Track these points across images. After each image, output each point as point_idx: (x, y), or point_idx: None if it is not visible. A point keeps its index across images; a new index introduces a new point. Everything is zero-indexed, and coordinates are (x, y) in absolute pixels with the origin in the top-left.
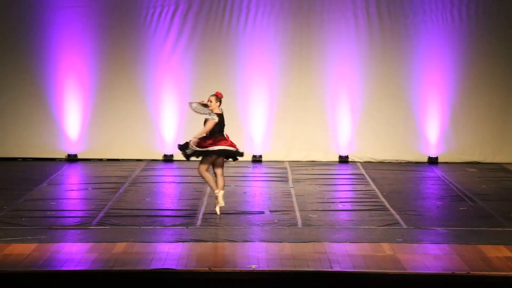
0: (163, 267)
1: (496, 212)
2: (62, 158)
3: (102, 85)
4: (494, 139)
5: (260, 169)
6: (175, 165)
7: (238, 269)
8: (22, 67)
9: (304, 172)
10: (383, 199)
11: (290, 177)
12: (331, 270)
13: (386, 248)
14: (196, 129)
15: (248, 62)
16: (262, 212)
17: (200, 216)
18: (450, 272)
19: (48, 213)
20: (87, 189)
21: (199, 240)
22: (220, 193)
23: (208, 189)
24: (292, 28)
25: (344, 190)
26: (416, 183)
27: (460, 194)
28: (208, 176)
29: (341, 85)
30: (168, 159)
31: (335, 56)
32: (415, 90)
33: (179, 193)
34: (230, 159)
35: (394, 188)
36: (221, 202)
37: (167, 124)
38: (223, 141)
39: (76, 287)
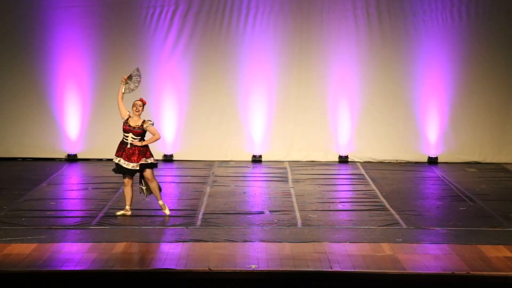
0: (163, 267)
1: (496, 212)
2: (62, 158)
3: (102, 85)
4: (494, 139)
5: (260, 169)
6: (175, 165)
7: (238, 269)
8: (21, 67)
9: (304, 172)
10: (383, 199)
11: (290, 177)
12: (331, 270)
13: (386, 248)
14: (196, 129)
15: (248, 62)
16: (262, 212)
17: (200, 216)
18: (450, 272)
19: (48, 213)
20: (87, 189)
21: (199, 240)
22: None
23: (208, 189)
24: (292, 28)
25: (344, 190)
26: (416, 183)
27: (460, 194)
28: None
29: (341, 85)
30: (168, 159)
31: (335, 56)
32: (415, 90)
33: (179, 193)
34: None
35: (394, 188)
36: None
37: (167, 124)
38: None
39: (76, 287)
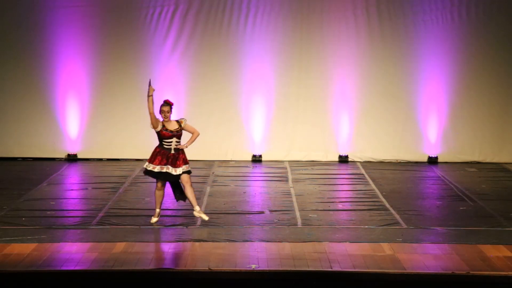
0: (163, 267)
1: (496, 212)
2: (62, 158)
3: (102, 84)
4: (494, 139)
5: (260, 169)
6: None
7: (238, 269)
8: (22, 67)
9: (304, 172)
10: (383, 199)
11: (290, 177)
12: (331, 270)
13: (386, 248)
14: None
15: (248, 62)
16: (262, 212)
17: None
18: (450, 272)
19: (48, 213)
20: (87, 189)
21: (199, 240)
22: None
23: (208, 188)
24: (292, 28)
25: (344, 190)
26: (416, 183)
27: (460, 194)
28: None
29: (340, 84)
30: None
31: (335, 55)
32: (415, 89)
33: None
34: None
35: (394, 188)
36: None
37: None
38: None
39: (76, 287)
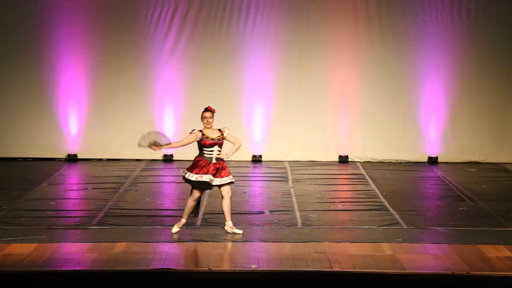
0: (163, 267)
1: (496, 212)
2: (62, 158)
3: (102, 84)
4: (494, 139)
5: (260, 169)
6: (175, 165)
7: (238, 269)
8: (22, 67)
9: (304, 172)
10: (383, 199)
11: (290, 177)
12: (331, 270)
13: (386, 248)
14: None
15: (248, 62)
16: (262, 212)
17: (200, 216)
18: (450, 272)
19: (48, 213)
20: (87, 189)
21: (199, 240)
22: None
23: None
24: (292, 28)
25: (344, 190)
26: (416, 183)
27: (460, 194)
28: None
29: (340, 84)
30: (168, 159)
31: (335, 56)
32: (415, 89)
33: (179, 193)
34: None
35: (394, 188)
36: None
37: (167, 123)
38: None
39: (76, 287)
